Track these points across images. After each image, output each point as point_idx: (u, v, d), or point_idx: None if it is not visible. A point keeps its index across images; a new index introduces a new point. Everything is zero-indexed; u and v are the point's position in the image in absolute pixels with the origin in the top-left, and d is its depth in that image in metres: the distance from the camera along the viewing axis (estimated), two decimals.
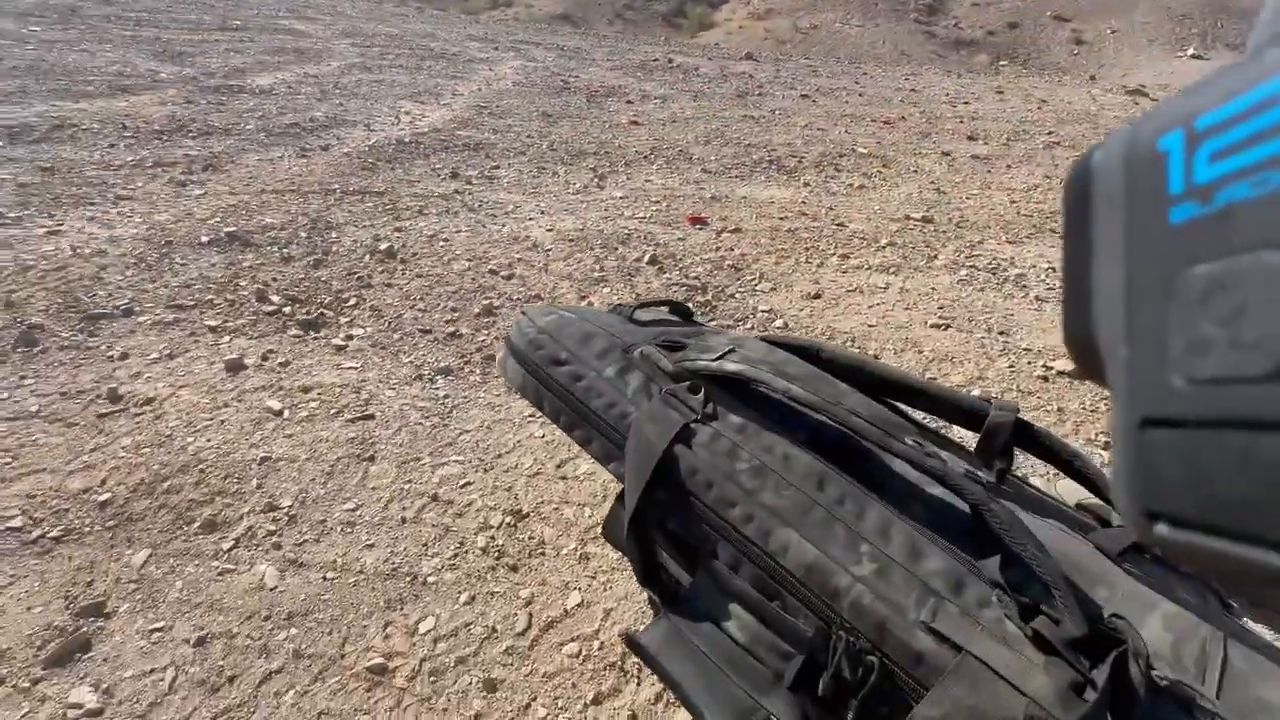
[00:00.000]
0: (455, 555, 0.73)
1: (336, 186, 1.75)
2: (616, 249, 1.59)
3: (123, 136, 1.90)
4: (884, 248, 1.76)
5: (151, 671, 0.60)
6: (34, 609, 0.64)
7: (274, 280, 1.26)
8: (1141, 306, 0.12)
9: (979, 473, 0.59)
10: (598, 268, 1.49)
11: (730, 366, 0.68)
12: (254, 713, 0.57)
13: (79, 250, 1.27)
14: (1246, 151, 0.10)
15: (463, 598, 0.68)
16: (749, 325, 1.34)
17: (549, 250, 1.55)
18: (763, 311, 1.38)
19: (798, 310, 1.40)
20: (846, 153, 2.66)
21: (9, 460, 0.80)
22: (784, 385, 0.62)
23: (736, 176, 2.30)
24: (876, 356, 1.24)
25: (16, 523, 0.72)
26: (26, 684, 0.58)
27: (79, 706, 0.56)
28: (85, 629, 0.63)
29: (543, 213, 1.77)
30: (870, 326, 1.35)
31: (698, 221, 1.83)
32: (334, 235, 1.48)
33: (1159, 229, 0.11)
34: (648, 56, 4.62)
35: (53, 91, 2.22)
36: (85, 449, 0.83)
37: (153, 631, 0.63)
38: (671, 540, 0.64)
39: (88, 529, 0.73)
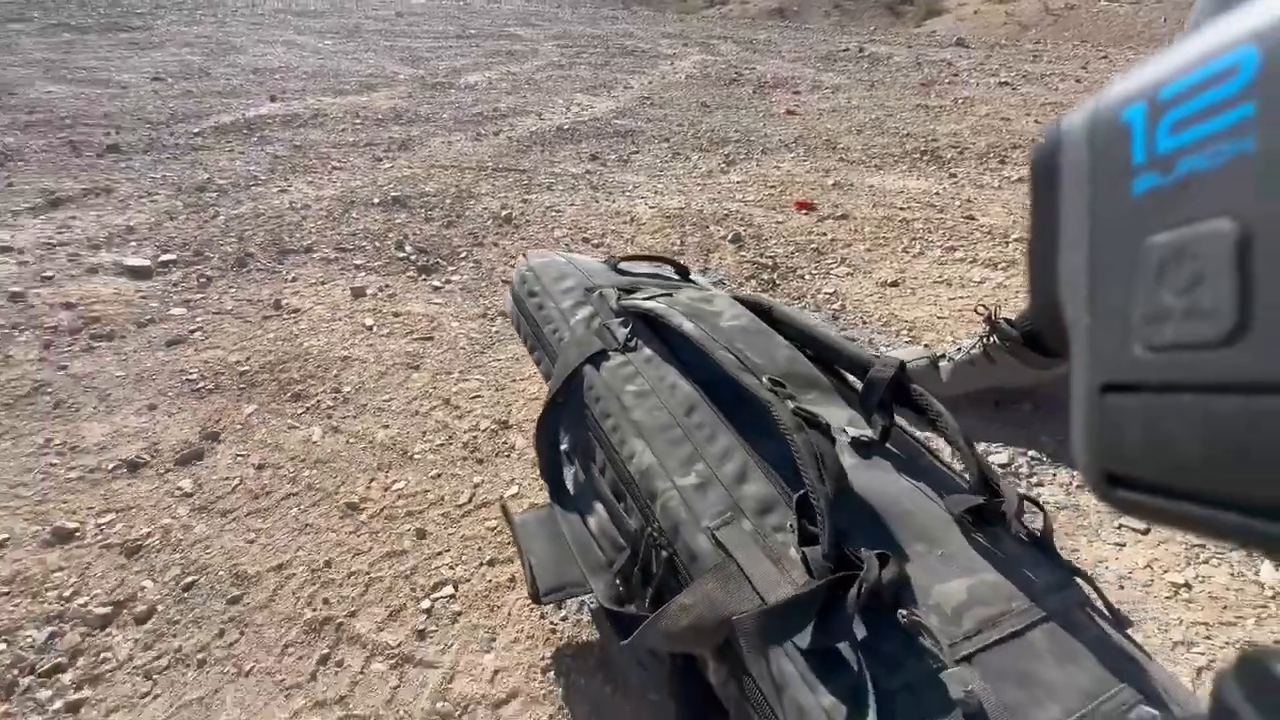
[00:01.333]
0: (442, 444, 0.91)
1: (490, 164, 2.06)
2: (707, 227, 1.67)
3: (354, 123, 2.41)
4: (1011, 242, 1.60)
5: (228, 479, 0.86)
6: (183, 429, 0.94)
7: (413, 235, 1.57)
8: (1105, 275, 0.12)
9: (863, 432, 0.63)
10: (679, 242, 1.58)
11: (646, 304, 0.77)
12: (271, 515, 0.80)
13: (293, 205, 1.69)
14: (1205, 122, 0.10)
15: (432, 473, 0.85)
16: (810, 304, 1.35)
17: (643, 224, 1.68)
18: (825, 294, 1.37)
19: (864, 295, 1.36)
20: (1023, 144, 2.39)
21: (204, 338, 1.15)
22: (679, 322, 0.70)
23: (875, 166, 2.21)
24: (928, 345, 1.18)
25: (193, 376, 1.05)
26: (161, 471, 0.87)
27: (181, 489, 0.84)
28: (203, 447, 0.91)
29: (656, 193, 1.90)
30: (940, 318, 1.27)
31: (805, 207, 1.83)
32: (471, 203, 1.76)
33: (1122, 199, 0.12)
34: (837, 47, 4.47)
35: (323, 89, 2.87)
36: (246, 338, 1.16)
37: (238, 456, 0.90)
38: (570, 445, 0.76)
39: (227, 388, 1.03)
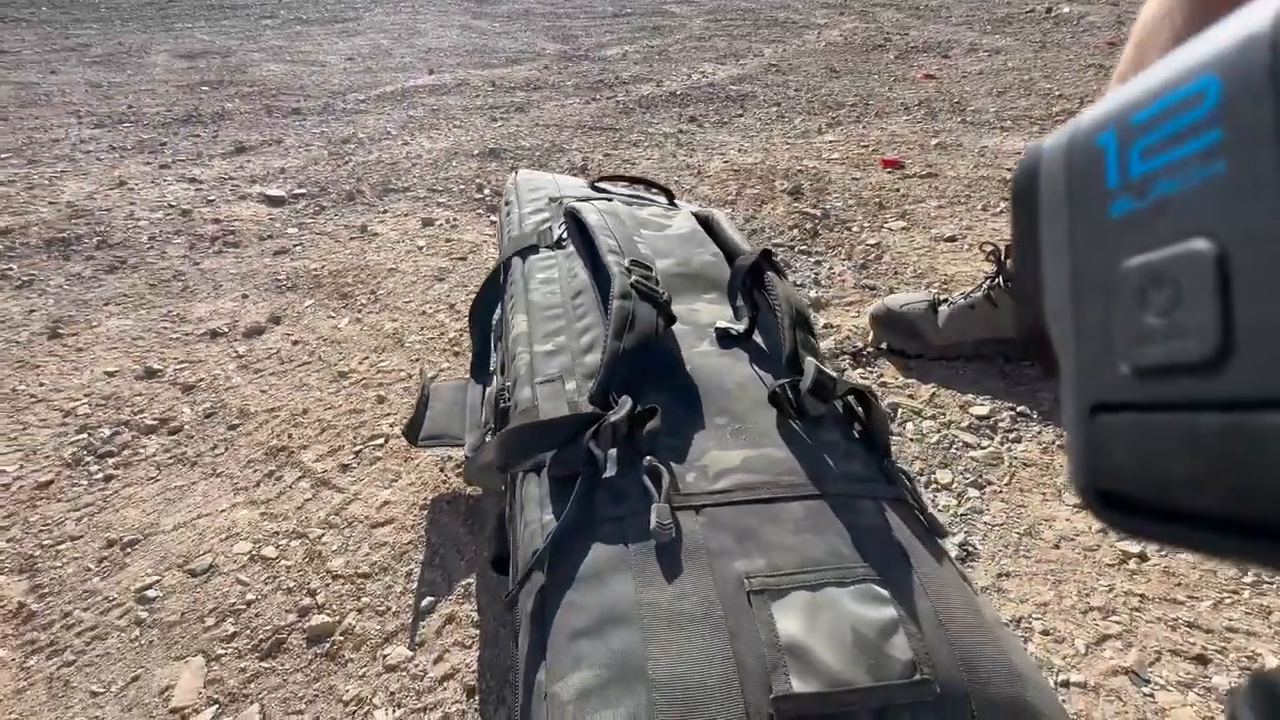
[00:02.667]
0: (432, 339, 1.03)
1: (589, 124, 2.17)
2: (772, 180, 1.63)
3: (488, 91, 2.67)
4: None
5: (270, 349, 1.05)
6: (258, 313, 1.17)
7: (495, 181, 1.73)
8: (1087, 299, 0.12)
9: (732, 325, 0.65)
10: (736, 193, 1.57)
11: (573, 205, 0.83)
12: (285, 375, 0.97)
13: (409, 155, 1.94)
14: (1175, 148, 0.10)
15: (413, 357, 0.98)
16: (844, 252, 1.28)
17: (707, 176, 1.68)
18: (868, 244, 1.30)
19: (911, 248, 1.27)
20: None
21: (301, 251, 1.40)
22: (586, 216, 0.76)
23: (1002, 129, 1.99)
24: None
25: (281, 277, 1.28)
26: (230, 340, 1.09)
27: (237, 352, 1.05)
28: (266, 326, 1.12)
29: (740, 150, 1.89)
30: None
31: (891, 165, 1.71)
32: (557, 155, 1.89)
33: (1099, 222, 0.12)
34: (1021, 9, 3.97)
35: (474, 64, 3.19)
36: (330, 253, 1.38)
37: (284, 334, 1.09)
38: (495, 327, 0.85)
39: (301, 287, 1.25)
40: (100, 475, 0.80)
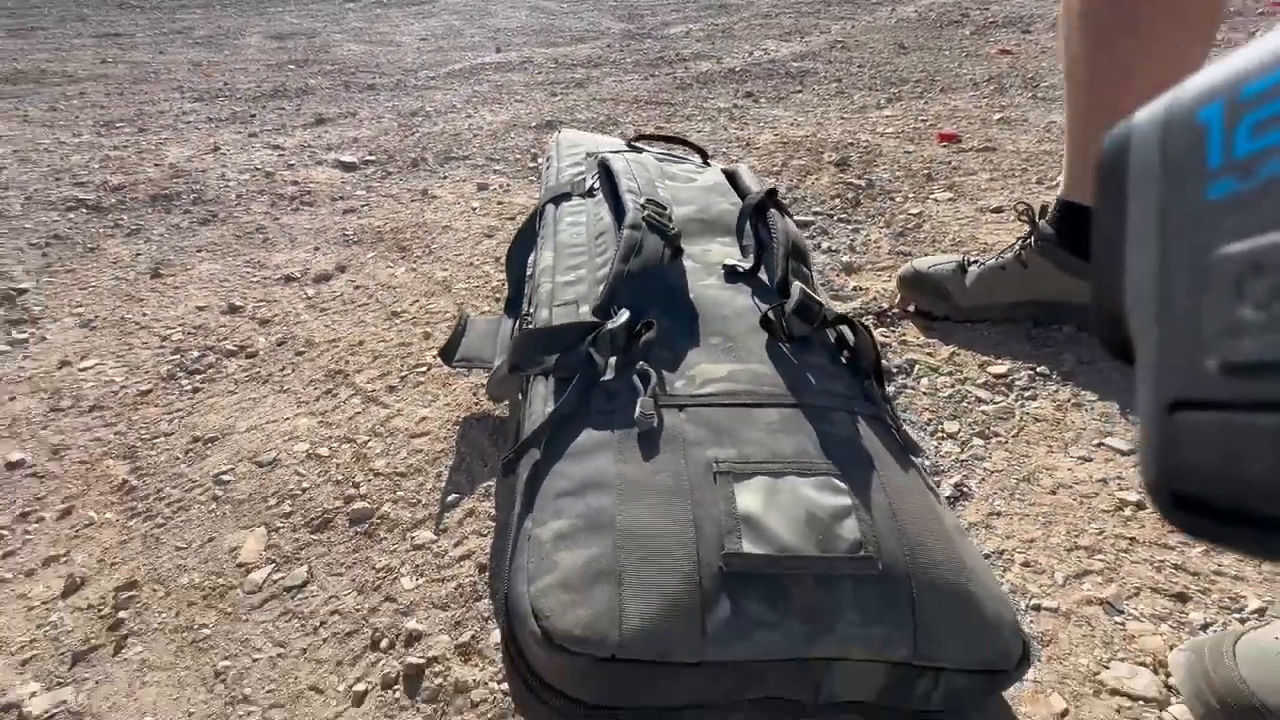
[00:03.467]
0: (477, 286, 1.12)
1: (645, 98, 2.23)
2: (821, 153, 1.65)
3: (550, 68, 2.76)
4: None
5: (335, 292, 1.17)
6: (327, 262, 1.29)
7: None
8: (1175, 285, 0.11)
9: (739, 263, 0.72)
10: (781, 164, 1.60)
11: (603, 155, 0.90)
12: (347, 314, 1.09)
13: (471, 127, 2.06)
14: None
15: (459, 301, 1.07)
16: (884, 220, 1.30)
17: (755, 148, 1.71)
18: (910, 214, 1.31)
19: (953, 218, 1.27)
20: None
21: (367, 210, 1.52)
22: (612, 163, 0.83)
23: None
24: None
25: (349, 233, 1.41)
26: (302, 284, 1.22)
27: (307, 295, 1.17)
28: (333, 274, 1.25)
29: (790, 125, 1.90)
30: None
31: (948, 139, 1.69)
32: (611, 129, 1.96)
33: (1195, 205, 0.11)
34: None
35: (540, 43, 3.29)
36: (393, 212, 1.50)
37: (348, 280, 1.21)
38: (529, 267, 0.93)
39: (365, 241, 1.37)
40: (189, 388, 0.93)
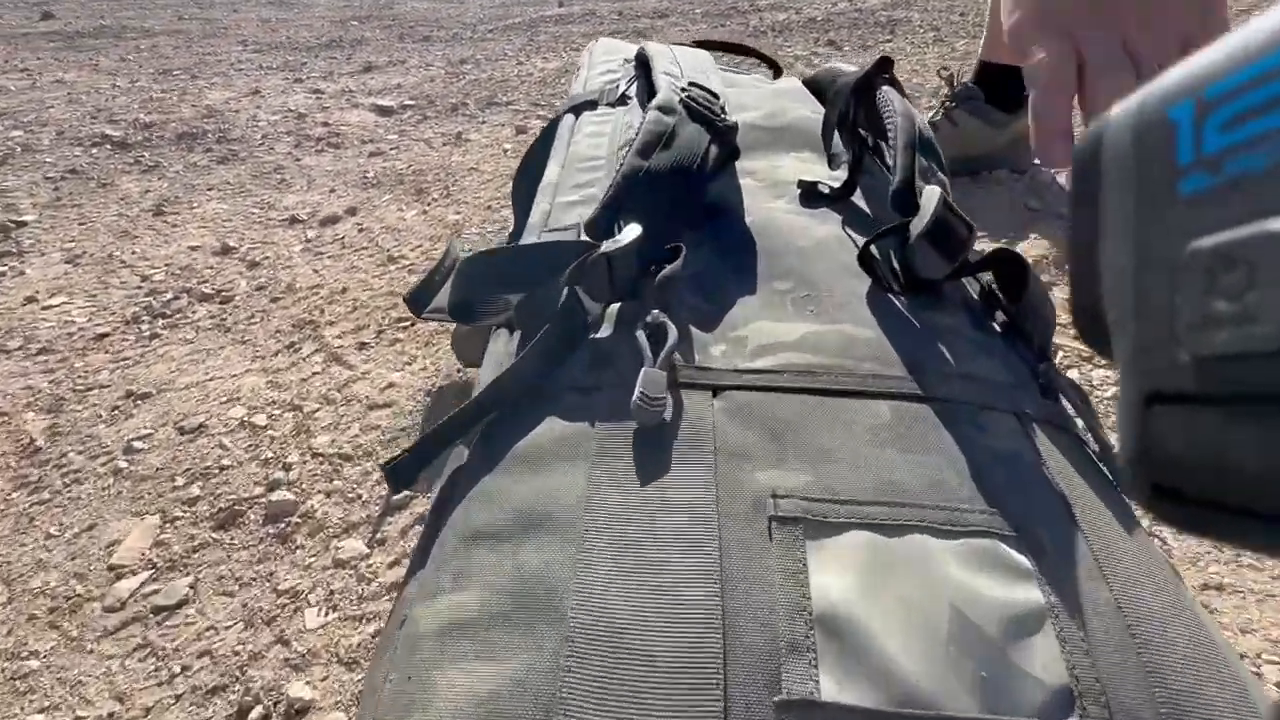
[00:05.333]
0: (490, 232, 0.92)
1: None
2: (918, 99, 1.35)
3: (615, 20, 2.52)
4: None
5: (336, 236, 0.99)
6: (339, 205, 1.12)
7: None
8: (1149, 280, 0.11)
9: (821, 181, 0.49)
10: None
11: (643, 51, 0.67)
12: (341, 259, 0.90)
13: (520, 74, 1.85)
14: (1256, 120, 0.09)
15: (466, 246, 0.87)
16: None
17: None
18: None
19: None
20: None
21: (395, 154, 1.34)
22: (652, 55, 0.60)
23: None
24: None
25: (370, 175, 1.23)
26: (307, 226, 1.05)
27: (307, 238, 1.00)
28: (341, 216, 1.07)
29: None
30: None
31: None
32: None
33: (1168, 201, 0.11)
34: None
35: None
36: (421, 156, 1.31)
37: (354, 224, 1.03)
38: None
39: (384, 184, 1.19)
40: (147, 334, 0.77)
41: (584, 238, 0.36)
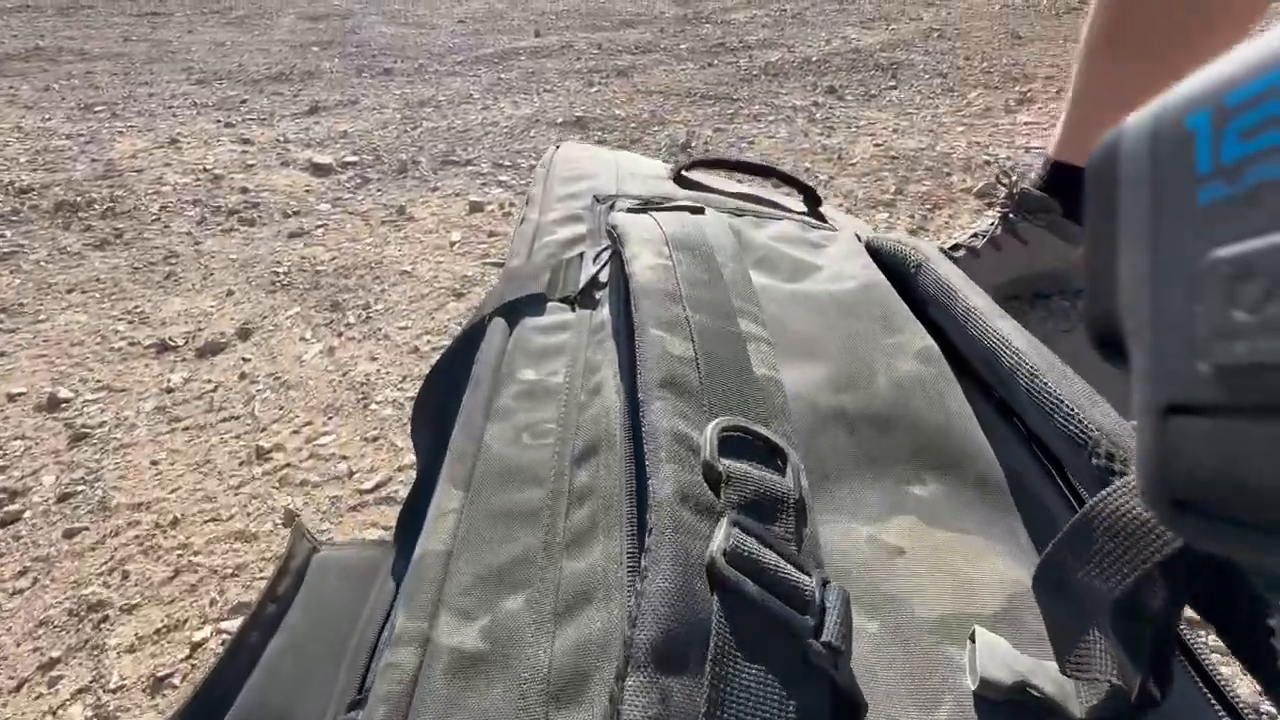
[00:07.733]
0: (409, 402, 0.64)
1: (701, 91, 1.70)
2: (948, 175, 1.10)
3: (593, 54, 2.25)
4: None
5: (226, 373, 0.71)
6: (231, 321, 0.83)
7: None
8: (1167, 290, 0.10)
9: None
10: (894, 190, 1.06)
11: (618, 218, 0.40)
12: (215, 419, 0.62)
13: (484, 122, 1.57)
14: (1277, 128, 0.09)
15: (366, 435, 0.59)
16: None
17: (852, 165, 1.18)
18: None
19: None
20: None
21: (321, 235, 1.06)
22: (633, 258, 0.33)
23: None
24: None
25: (280, 270, 0.95)
26: (181, 359, 0.76)
27: (170, 384, 0.71)
28: (228, 343, 0.79)
29: (895, 131, 1.35)
30: None
31: None
32: (655, 128, 1.44)
33: (1186, 210, 0.10)
34: None
35: (583, 26, 2.77)
36: (350, 241, 1.03)
37: (249, 356, 0.75)
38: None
39: (297, 287, 0.90)
40: None
41: None
